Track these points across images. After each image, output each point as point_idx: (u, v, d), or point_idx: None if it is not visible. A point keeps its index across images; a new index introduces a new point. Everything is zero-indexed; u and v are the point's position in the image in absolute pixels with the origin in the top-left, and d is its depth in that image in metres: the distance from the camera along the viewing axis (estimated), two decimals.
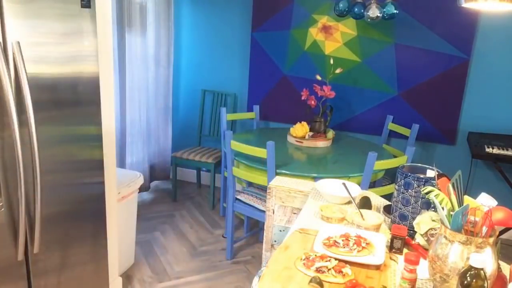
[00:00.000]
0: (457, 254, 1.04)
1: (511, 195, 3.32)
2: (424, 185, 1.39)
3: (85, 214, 2.03)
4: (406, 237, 1.38)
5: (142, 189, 3.70)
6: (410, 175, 1.43)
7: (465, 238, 1.04)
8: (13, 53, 1.60)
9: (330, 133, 3.28)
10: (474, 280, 0.95)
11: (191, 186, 4.31)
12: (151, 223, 3.50)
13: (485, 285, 0.95)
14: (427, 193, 1.18)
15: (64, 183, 1.90)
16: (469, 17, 3.27)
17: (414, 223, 1.39)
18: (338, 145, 3.25)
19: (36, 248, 1.77)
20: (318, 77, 3.38)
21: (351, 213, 1.58)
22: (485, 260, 0.98)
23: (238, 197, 2.97)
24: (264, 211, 2.80)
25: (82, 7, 1.83)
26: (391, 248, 1.38)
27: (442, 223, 1.10)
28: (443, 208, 1.12)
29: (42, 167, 1.75)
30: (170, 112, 4.05)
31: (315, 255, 1.28)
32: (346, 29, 3.61)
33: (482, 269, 0.95)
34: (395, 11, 3.18)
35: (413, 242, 1.39)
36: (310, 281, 1.17)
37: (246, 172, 2.83)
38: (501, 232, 3.34)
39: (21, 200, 1.65)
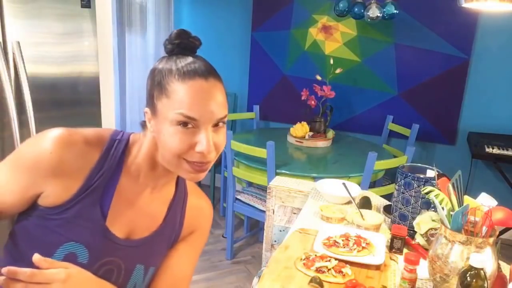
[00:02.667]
0: (457, 254, 1.04)
1: (511, 195, 3.32)
2: (424, 185, 1.39)
3: None
4: (406, 237, 1.38)
5: None
6: (410, 175, 1.43)
7: (465, 238, 1.04)
8: (13, 53, 1.60)
9: (330, 133, 3.28)
10: (474, 280, 0.95)
11: None
12: None
13: (485, 285, 0.95)
14: (427, 193, 1.18)
15: None
16: (469, 17, 3.27)
17: (414, 223, 1.39)
18: (338, 145, 3.25)
19: None
20: (318, 77, 3.38)
21: (351, 213, 1.58)
22: (485, 260, 0.98)
23: (238, 197, 2.97)
24: (264, 211, 2.79)
25: (82, 7, 1.83)
26: (391, 248, 1.38)
27: (442, 223, 1.10)
28: (443, 208, 1.12)
29: None
30: None
31: (315, 255, 1.28)
32: (346, 29, 3.61)
33: (482, 269, 0.95)
34: (395, 11, 3.18)
35: (413, 242, 1.39)
36: (310, 281, 1.17)
37: (246, 172, 2.83)
38: (501, 232, 3.34)
39: None
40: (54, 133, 0.87)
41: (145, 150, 0.92)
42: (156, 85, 0.86)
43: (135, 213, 0.96)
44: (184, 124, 0.83)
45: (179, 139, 0.84)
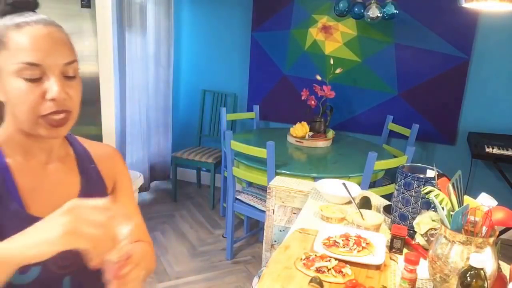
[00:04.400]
0: (457, 254, 1.04)
1: (511, 195, 3.32)
2: (424, 185, 1.39)
3: None
4: (406, 237, 1.38)
5: (142, 189, 3.70)
6: (410, 175, 1.43)
7: (465, 238, 1.04)
8: None
9: (330, 133, 3.28)
10: (474, 280, 0.95)
11: (191, 186, 4.31)
12: (151, 223, 3.50)
13: (485, 285, 0.95)
14: (427, 193, 1.18)
15: None
16: (469, 17, 3.27)
17: (414, 223, 1.39)
18: (338, 145, 3.25)
19: None
20: (318, 77, 3.38)
21: (351, 213, 1.58)
22: (485, 260, 0.98)
23: (238, 197, 2.97)
24: (264, 211, 2.79)
25: (82, 7, 1.83)
26: (391, 248, 1.38)
27: (442, 223, 1.10)
28: (443, 208, 1.12)
29: None
30: (170, 112, 4.05)
31: (315, 255, 1.28)
32: (346, 29, 3.61)
33: (482, 269, 0.95)
34: (395, 11, 3.18)
35: (413, 242, 1.39)
36: (310, 281, 1.17)
37: (246, 172, 2.83)
38: (501, 232, 3.34)
39: None
40: None
41: (9, 128, 0.88)
42: None
43: (49, 190, 0.92)
44: (29, 75, 0.80)
45: (27, 92, 0.80)
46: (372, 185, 2.86)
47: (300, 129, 3.22)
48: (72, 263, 0.90)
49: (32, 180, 0.91)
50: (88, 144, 1.04)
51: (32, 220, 0.84)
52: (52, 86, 0.81)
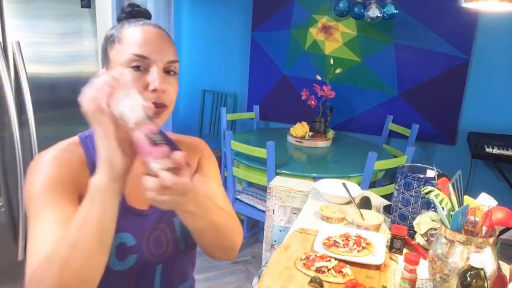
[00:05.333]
0: (457, 254, 1.04)
1: (511, 195, 3.32)
2: (424, 185, 1.39)
3: None
4: (406, 237, 1.38)
5: None
6: (410, 175, 1.43)
7: (465, 238, 1.04)
8: (13, 53, 1.60)
9: (330, 133, 3.28)
10: (474, 280, 0.95)
11: None
12: None
13: (485, 285, 0.95)
14: (427, 193, 1.18)
15: None
16: (469, 17, 3.27)
17: (414, 223, 1.39)
18: (338, 145, 3.25)
19: None
20: (318, 77, 3.38)
21: (351, 213, 1.58)
22: (485, 260, 0.98)
23: (238, 197, 2.97)
24: (264, 211, 2.79)
25: (82, 7, 1.83)
26: (391, 248, 1.37)
27: (442, 223, 1.10)
28: (443, 208, 1.12)
29: None
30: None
31: (315, 255, 1.28)
32: (346, 29, 3.61)
33: (482, 269, 0.95)
34: (395, 11, 3.18)
35: (413, 242, 1.39)
36: (310, 281, 1.17)
37: (246, 172, 2.83)
38: (501, 232, 3.34)
39: (21, 200, 1.65)
40: (45, 158, 0.89)
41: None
42: (109, 41, 0.92)
43: (139, 183, 0.96)
44: (136, 67, 0.87)
45: (132, 81, 0.87)
46: (372, 185, 2.86)
47: (300, 129, 3.22)
48: (164, 252, 0.97)
49: (133, 175, 0.93)
50: (176, 137, 1.10)
51: (130, 210, 0.93)
52: (154, 79, 0.88)
